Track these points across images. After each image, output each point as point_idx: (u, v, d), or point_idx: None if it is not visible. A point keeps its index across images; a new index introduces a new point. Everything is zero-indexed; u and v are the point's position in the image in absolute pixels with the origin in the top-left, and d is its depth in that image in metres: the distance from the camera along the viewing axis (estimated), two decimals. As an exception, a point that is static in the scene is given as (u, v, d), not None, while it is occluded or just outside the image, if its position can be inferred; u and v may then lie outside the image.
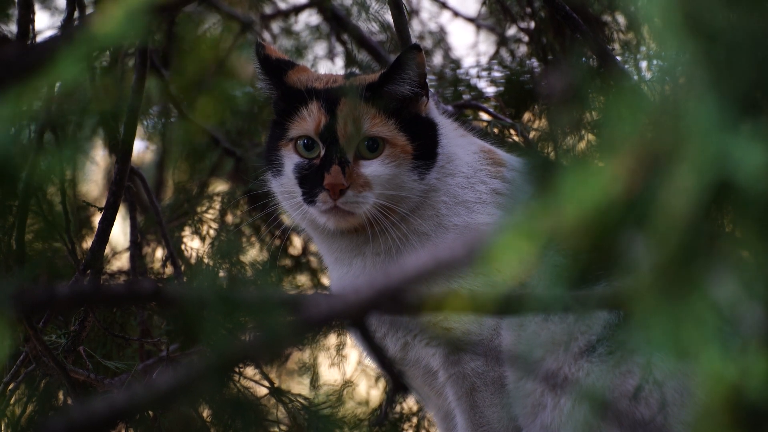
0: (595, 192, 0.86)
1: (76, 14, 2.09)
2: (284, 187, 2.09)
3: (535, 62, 3.07)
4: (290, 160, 2.07)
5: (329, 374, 3.09)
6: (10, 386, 2.07)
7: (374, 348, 1.30)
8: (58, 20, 3.25)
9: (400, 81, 2.04)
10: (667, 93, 0.89)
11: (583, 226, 0.87)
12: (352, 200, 2.01)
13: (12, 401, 2.07)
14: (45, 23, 3.55)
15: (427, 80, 2.08)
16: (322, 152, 2.03)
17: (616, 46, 2.87)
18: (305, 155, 2.06)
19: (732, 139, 0.84)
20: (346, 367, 3.11)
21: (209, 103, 2.93)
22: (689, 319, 0.85)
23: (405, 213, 2.05)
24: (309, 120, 2.04)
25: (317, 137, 2.03)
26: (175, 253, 2.69)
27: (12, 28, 1.90)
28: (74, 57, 1.09)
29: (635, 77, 1.85)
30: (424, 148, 2.06)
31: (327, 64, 3.37)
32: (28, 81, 1.11)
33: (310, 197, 2.03)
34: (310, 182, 2.03)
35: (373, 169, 2.02)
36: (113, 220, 2.19)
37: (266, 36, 3.37)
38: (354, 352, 3.11)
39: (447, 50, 3.54)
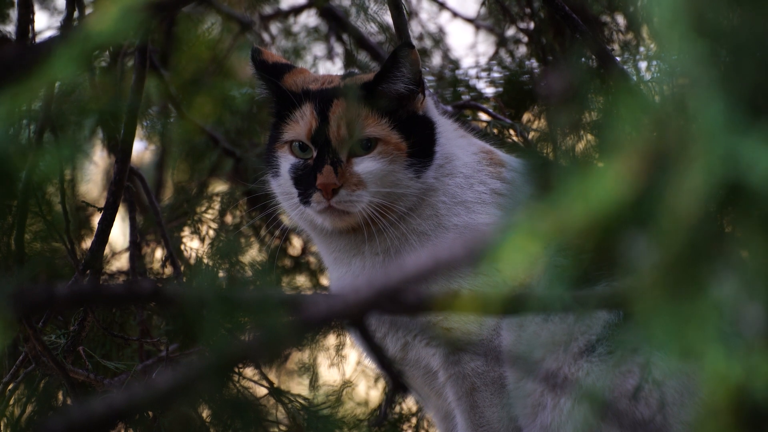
0: (602, 192, 0.86)
1: (75, 14, 2.09)
2: (282, 187, 2.10)
3: (534, 63, 3.06)
4: (286, 161, 2.08)
5: (329, 374, 3.09)
6: (10, 386, 2.07)
7: (374, 348, 1.30)
8: (57, 20, 3.25)
9: (394, 79, 2.04)
10: (671, 93, 0.89)
11: (589, 226, 0.87)
12: (345, 199, 2.01)
13: (11, 401, 2.07)
14: (45, 23, 3.55)
15: (422, 78, 2.07)
16: (315, 153, 2.03)
17: (616, 46, 2.87)
18: (300, 155, 2.07)
19: (741, 140, 0.83)
20: (345, 368, 3.11)
21: (207, 103, 2.93)
22: (694, 318, 0.85)
23: (403, 212, 2.05)
24: (301, 124, 2.05)
25: (309, 142, 2.04)
26: (175, 254, 2.69)
27: (12, 28, 1.90)
28: (69, 55, 1.08)
29: (635, 78, 1.85)
30: (420, 145, 2.06)
31: (326, 65, 3.37)
32: (24, 80, 1.11)
33: (305, 197, 2.03)
34: (304, 183, 2.04)
35: (364, 165, 2.02)
36: (113, 220, 2.19)
37: (265, 37, 3.37)
38: (353, 352, 3.11)
39: (446, 51, 3.54)
